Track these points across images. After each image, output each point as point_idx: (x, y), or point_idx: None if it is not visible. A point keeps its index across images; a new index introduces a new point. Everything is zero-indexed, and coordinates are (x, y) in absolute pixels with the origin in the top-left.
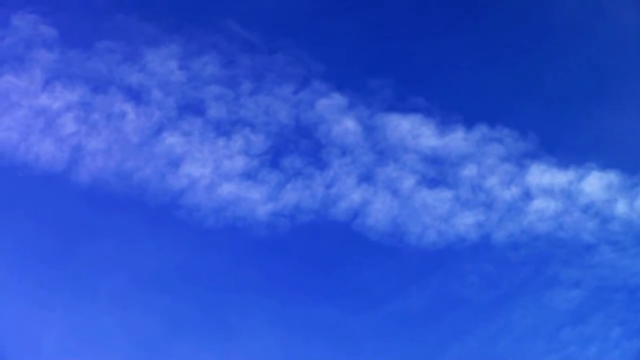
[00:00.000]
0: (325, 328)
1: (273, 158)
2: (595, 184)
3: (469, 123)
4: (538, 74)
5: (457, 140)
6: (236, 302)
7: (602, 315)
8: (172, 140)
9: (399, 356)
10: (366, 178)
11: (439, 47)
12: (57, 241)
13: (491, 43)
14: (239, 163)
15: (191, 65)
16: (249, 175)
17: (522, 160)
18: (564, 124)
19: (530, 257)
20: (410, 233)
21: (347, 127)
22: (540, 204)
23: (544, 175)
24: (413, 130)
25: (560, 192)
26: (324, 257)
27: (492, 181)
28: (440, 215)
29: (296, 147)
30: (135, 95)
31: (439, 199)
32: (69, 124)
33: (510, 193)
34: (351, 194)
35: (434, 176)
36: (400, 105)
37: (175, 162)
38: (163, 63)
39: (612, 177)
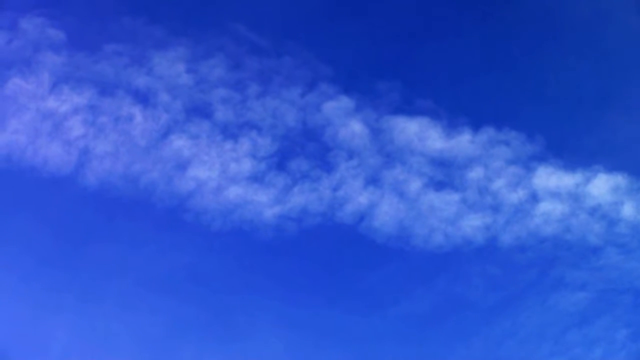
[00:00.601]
0: (332, 330)
1: (280, 161)
2: (602, 186)
3: (476, 126)
4: (545, 77)
5: (464, 142)
6: (243, 304)
7: (607, 318)
8: (179, 143)
9: (405, 358)
10: (373, 181)
11: (446, 50)
12: (65, 244)
13: (498, 46)
14: (246, 166)
15: (198, 68)
16: (256, 178)
17: (528, 163)
18: (571, 126)
19: (537, 260)
20: (416, 235)
21: (354, 129)
22: (547, 207)
23: (550, 178)
24: (420, 133)
25: (566, 194)
26: (331, 260)
27: (498, 184)
28: (447, 217)
29: (303, 150)
30: (143, 98)
31: (445, 202)
32: (76, 127)
33: (517, 196)
34: (358, 197)
35: (441, 179)
36: (407, 108)
37: (182, 165)
38: (170, 66)
39: (618, 179)
